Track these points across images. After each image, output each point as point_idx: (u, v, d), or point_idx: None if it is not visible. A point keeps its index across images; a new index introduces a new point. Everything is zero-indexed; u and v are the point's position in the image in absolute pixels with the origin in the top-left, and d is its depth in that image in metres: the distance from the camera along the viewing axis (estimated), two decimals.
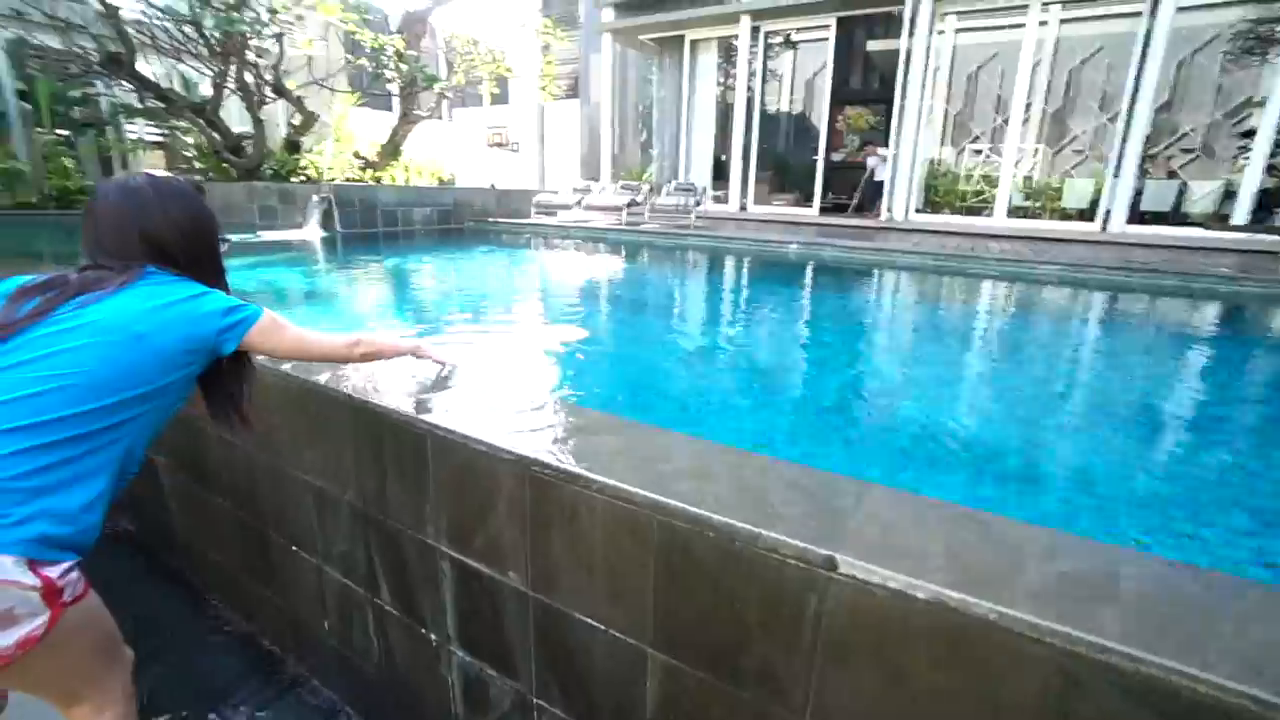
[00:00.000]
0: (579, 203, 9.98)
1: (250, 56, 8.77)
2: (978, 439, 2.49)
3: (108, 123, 10.93)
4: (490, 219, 10.37)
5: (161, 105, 8.97)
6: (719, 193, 11.79)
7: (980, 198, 9.06)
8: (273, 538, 1.84)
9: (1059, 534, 0.86)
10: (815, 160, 10.45)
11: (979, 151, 9.65)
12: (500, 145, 19.69)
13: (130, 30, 8.30)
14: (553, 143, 19.06)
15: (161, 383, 1.04)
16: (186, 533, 2.26)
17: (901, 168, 9.09)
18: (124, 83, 8.84)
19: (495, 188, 11.83)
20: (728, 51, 11.48)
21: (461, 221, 10.23)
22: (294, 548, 1.78)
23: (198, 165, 10.14)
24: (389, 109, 11.70)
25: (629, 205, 9.47)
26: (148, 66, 9.48)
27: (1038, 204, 8.80)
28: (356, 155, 10.78)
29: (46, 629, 0.85)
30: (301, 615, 1.86)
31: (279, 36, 9.09)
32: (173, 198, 1.16)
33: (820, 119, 10.71)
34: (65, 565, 0.88)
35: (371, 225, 8.68)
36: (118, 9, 7.96)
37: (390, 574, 1.52)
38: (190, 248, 1.16)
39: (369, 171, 10.65)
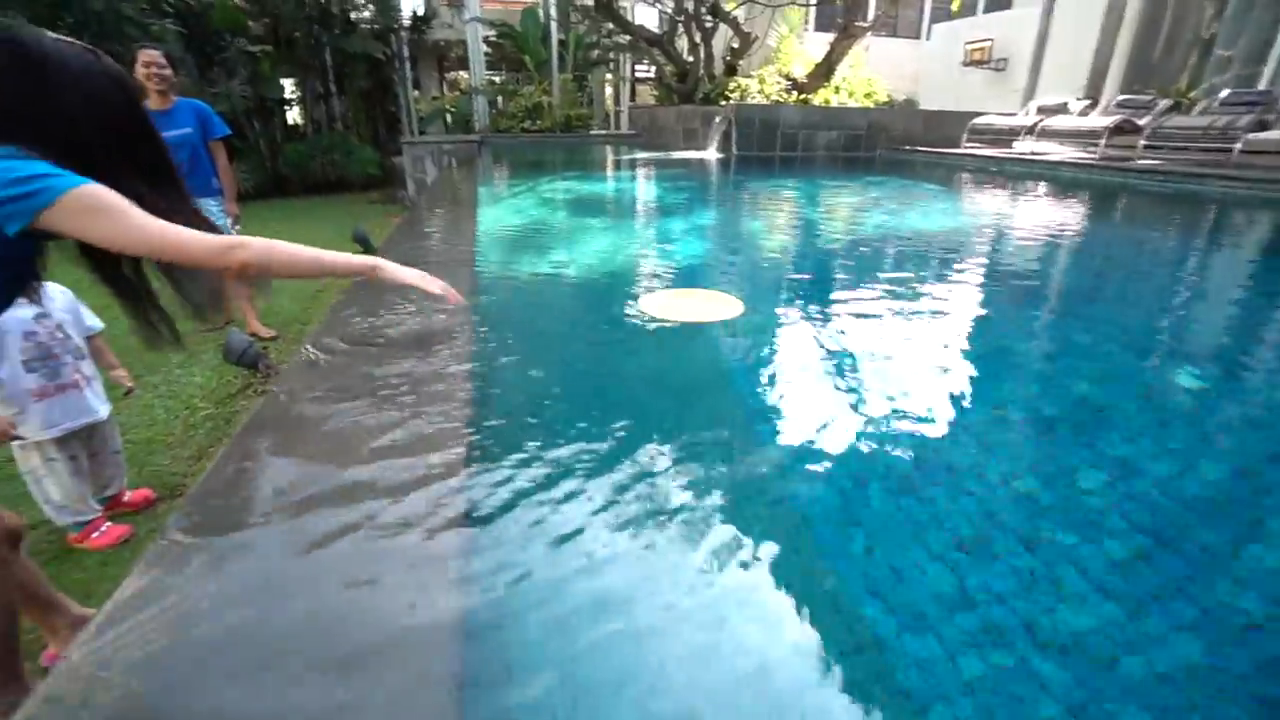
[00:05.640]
0: (1035, 127, 7.36)
1: None
2: None
3: (611, 60, 13.37)
4: (907, 147, 8.70)
5: (628, 39, 10.29)
6: None
7: None
8: None
9: None
10: None
11: None
12: (979, 63, 16.19)
13: None
14: (1055, 56, 14.56)
15: None
16: None
17: None
18: (610, 24, 10.44)
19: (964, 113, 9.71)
20: None
21: (874, 148, 8.90)
22: None
23: (653, 94, 11.53)
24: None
25: (1112, 130, 6.44)
26: (637, 11, 10.95)
27: None
28: (787, 77, 10.36)
29: None
30: None
31: None
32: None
33: None
34: None
35: (769, 148, 8.33)
36: None
37: None
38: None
39: (794, 94, 10.14)
